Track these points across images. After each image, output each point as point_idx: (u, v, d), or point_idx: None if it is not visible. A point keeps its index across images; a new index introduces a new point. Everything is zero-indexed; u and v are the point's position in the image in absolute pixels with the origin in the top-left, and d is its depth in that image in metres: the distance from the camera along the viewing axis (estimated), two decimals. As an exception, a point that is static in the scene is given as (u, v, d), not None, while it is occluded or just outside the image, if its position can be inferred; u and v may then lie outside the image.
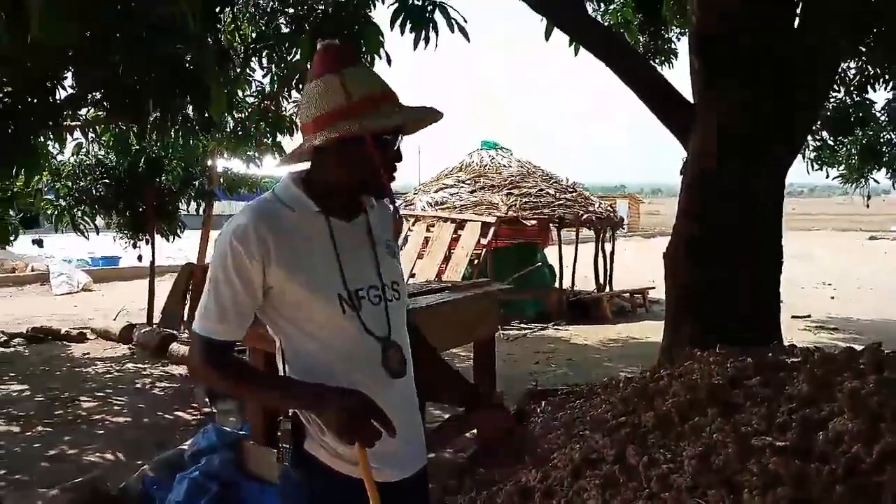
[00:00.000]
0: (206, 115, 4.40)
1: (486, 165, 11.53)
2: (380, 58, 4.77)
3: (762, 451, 2.28)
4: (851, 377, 2.71)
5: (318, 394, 1.36)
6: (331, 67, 1.41)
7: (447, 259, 9.40)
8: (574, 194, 10.89)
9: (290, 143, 7.07)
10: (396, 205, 1.59)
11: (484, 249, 9.56)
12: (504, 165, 11.47)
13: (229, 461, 3.36)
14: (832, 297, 11.40)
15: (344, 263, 1.42)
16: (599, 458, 2.70)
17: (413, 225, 10.08)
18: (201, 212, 9.11)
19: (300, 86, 6.62)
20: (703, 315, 4.51)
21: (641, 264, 12.67)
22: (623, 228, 13.04)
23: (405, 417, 1.46)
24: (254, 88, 6.68)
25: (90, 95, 4.58)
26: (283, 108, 7.05)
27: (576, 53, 5.75)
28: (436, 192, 10.98)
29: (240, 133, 7.10)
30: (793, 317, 9.12)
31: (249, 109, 6.90)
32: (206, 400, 5.07)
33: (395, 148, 1.44)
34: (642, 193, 44.95)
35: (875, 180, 8.40)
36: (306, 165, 1.49)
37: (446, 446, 4.00)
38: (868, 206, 9.68)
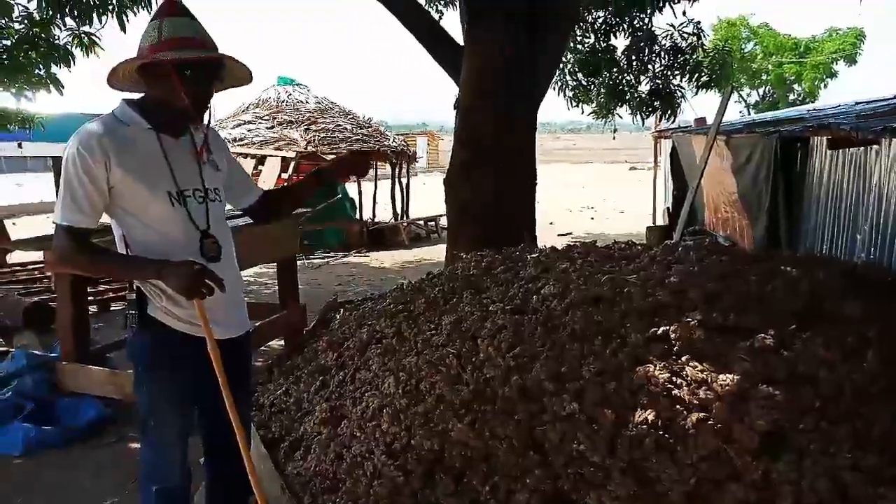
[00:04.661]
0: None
1: (283, 101, 11.60)
2: None
3: (495, 313, 3.08)
4: (565, 261, 3.65)
5: (162, 264, 1.79)
6: (158, 15, 1.83)
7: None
8: (370, 129, 11.42)
9: (69, 74, 6.70)
10: (209, 129, 2.03)
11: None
12: (301, 101, 11.62)
13: (42, 381, 3.54)
14: (592, 218, 13.39)
15: (173, 168, 1.86)
16: (382, 336, 3.37)
17: (211, 161, 9.97)
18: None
19: (75, 12, 6.27)
20: (475, 228, 5.39)
21: (438, 196, 13.69)
22: (416, 162, 13.85)
23: (225, 293, 1.88)
24: (17, 13, 6.20)
25: None
26: (56, 37, 6.60)
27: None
28: (234, 128, 10.87)
29: (5, 62, 6.53)
30: (559, 235, 10.70)
31: (16, 37, 6.39)
32: (1, 339, 4.96)
33: (204, 85, 1.84)
34: (442, 131, 46.74)
35: (620, 116, 9.97)
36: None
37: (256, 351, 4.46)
38: (615, 138, 11.43)
